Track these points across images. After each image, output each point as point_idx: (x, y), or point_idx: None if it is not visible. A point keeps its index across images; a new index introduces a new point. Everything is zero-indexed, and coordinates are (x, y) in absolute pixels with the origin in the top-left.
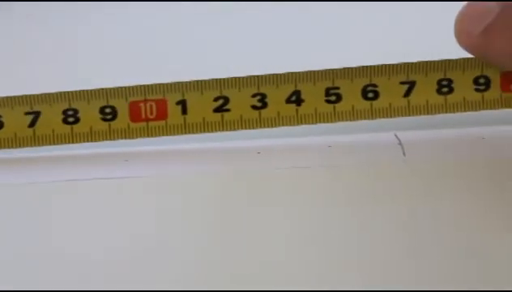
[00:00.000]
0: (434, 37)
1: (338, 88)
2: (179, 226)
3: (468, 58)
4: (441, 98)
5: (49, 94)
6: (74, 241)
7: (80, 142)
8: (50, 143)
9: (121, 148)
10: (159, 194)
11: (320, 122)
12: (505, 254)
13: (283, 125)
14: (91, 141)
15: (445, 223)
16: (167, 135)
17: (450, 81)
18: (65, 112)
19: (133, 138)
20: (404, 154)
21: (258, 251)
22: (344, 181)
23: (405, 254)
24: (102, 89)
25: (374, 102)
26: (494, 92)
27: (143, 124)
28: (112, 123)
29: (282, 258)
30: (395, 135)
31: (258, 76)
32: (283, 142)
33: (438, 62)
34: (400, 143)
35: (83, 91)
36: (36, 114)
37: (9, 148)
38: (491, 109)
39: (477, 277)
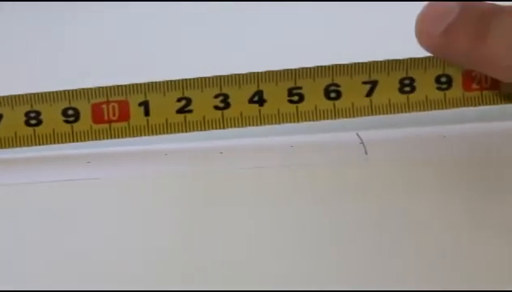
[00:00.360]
0: (396, 37)
1: (300, 88)
2: (142, 227)
3: (430, 57)
4: (403, 97)
5: (10, 96)
6: (34, 243)
7: (43, 144)
8: (12, 146)
9: (83, 150)
10: (122, 195)
11: (283, 122)
12: (472, 251)
13: (245, 125)
14: (54, 143)
15: (407, 221)
16: (130, 136)
17: (412, 80)
18: (27, 114)
19: (96, 140)
20: (366, 153)
21: (221, 251)
22: (306, 180)
23: (366, 252)
24: (64, 91)
25: (337, 102)
26: (456, 90)
27: (106, 126)
28: (74, 125)
29: (246, 257)
30: (357, 135)
31: (220, 76)
32: (246, 142)
33: (400, 60)
34: (362, 143)
35: (46, 93)
36: None
37: None
38: (453, 107)
39: (447, 275)
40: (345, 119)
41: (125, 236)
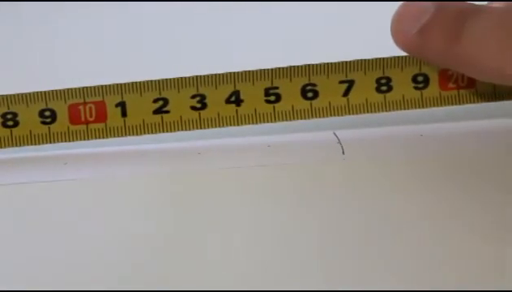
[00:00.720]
0: (373, 36)
1: (277, 88)
2: (120, 228)
3: (406, 56)
4: (380, 96)
5: None
6: (7, 244)
7: (20, 145)
8: None
9: (60, 151)
10: (99, 196)
11: (260, 122)
12: (452, 248)
13: (223, 125)
14: (31, 144)
15: (385, 221)
16: (107, 137)
17: (389, 79)
18: (4, 115)
19: (73, 141)
20: (343, 152)
21: (201, 252)
22: (284, 180)
23: (344, 253)
24: (41, 92)
25: (314, 101)
26: (433, 89)
27: (83, 127)
28: (51, 126)
29: (226, 257)
30: (334, 134)
31: (196, 76)
32: (224, 142)
33: (377, 60)
34: (339, 142)
35: (22, 94)
36: None
37: None
38: (430, 106)
39: (428, 274)
40: (322, 119)
41: (103, 237)
